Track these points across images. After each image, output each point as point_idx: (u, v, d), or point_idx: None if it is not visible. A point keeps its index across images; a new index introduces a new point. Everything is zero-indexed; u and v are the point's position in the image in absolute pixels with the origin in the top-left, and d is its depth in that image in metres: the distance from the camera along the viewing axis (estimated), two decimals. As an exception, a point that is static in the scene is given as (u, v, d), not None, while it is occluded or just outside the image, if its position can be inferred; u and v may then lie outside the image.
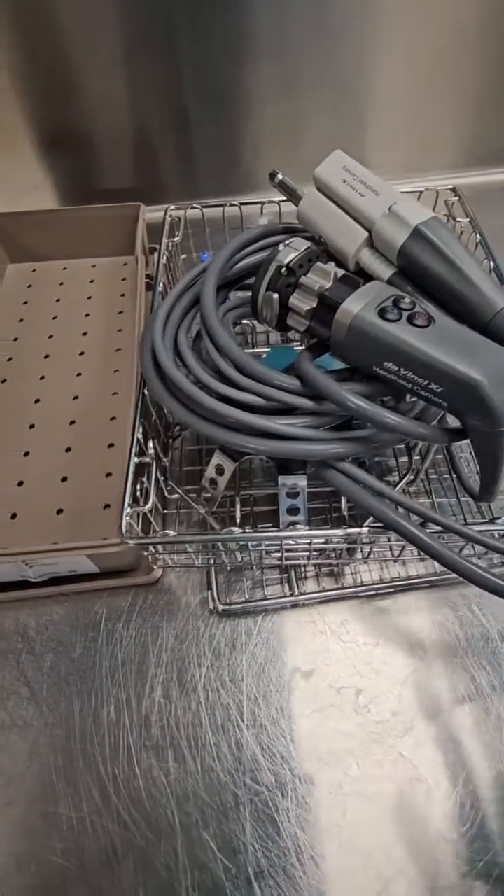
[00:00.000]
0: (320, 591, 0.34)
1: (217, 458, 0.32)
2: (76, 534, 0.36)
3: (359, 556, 0.34)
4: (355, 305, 0.26)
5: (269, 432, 0.27)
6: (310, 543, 0.31)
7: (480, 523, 0.29)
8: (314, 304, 0.28)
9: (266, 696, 0.31)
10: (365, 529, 0.29)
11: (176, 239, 0.44)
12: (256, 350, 0.45)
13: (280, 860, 0.27)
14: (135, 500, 0.30)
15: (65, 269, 0.54)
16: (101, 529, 0.36)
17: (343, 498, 0.35)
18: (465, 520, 0.36)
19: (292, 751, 0.29)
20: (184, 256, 0.46)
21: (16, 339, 0.48)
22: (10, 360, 0.47)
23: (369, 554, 0.34)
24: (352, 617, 0.34)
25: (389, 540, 0.32)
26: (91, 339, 0.48)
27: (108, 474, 0.39)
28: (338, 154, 0.32)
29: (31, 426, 0.42)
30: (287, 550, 0.32)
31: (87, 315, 0.50)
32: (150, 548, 0.31)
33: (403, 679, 0.31)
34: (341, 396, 0.26)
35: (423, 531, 0.26)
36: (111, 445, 0.41)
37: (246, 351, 0.29)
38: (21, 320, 0.50)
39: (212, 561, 0.34)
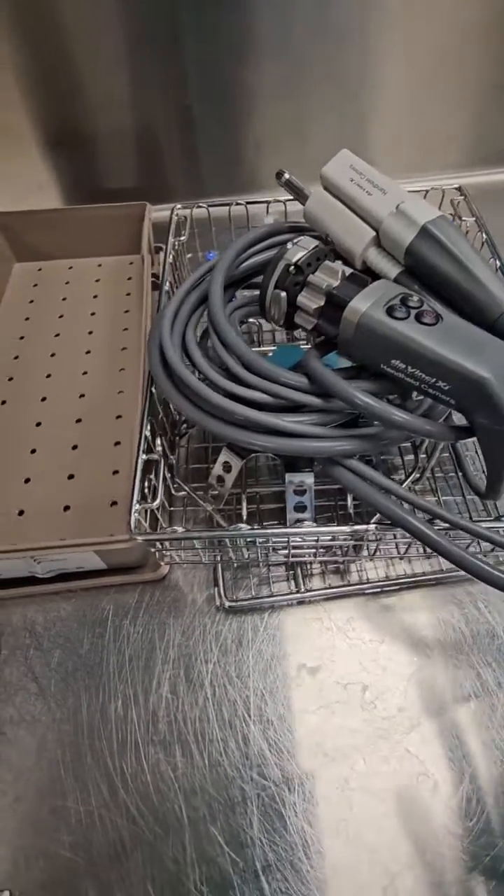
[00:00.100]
0: (326, 588, 0.34)
1: (224, 456, 0.32)
2: (83, 530, 0.37)
3: (365, 553, 0.35)
4: (363, 304, 0.26)
5: (277, 429, 0.28)
6: (317, 540, 0.31)
7: (487, 520, 0.29)
8: (322, 303, 0.29)
9: (272, 692, 0.31)
10: (372, 526, 0.29)
11: (182, 238, 0.44)
12: (262, 348, 0.45)
13: (287, 854, 0.27)
14: (143, 497, 0.30)
15: (70, 268, 0.54)
16: (108, 526, 0.36)
17: (349, 496, 0.35)
18: (470, 517, 0.36)
19: (299, 746, 0.30)
20: (189, 255, 0.46)
21: (22, 338, 0.48)
22: (16, 358, 0.47)
23: (375, 551, 0.34)
24: (358, 614, 0.34)
25: (395, 537, 0.32)
26: (97, 338, 0.48)
27: (115, 472, 0.39)
28: (345, 153, 0.32)
29: (38, 424, 0.43)
30: (294, 547, 0.32)
31: (92, 314, 0.50)
32: (158, 544, 0.31)
33: (409, 676, 0.31)
34: (349, 394, 0.26)
35: (431, 528, 0.26)
36: (117, 443, 0.41)
37: (252, 349, 0.30)
38: (27, 319, 0.50)
39: (218, 558, 0.35)
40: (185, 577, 0.36)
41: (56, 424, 0.42)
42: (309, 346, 0.32)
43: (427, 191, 0.44)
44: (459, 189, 0.44)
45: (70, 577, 0.34)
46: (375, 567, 0.35)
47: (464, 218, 0.42)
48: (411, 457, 0.37)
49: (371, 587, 0.34)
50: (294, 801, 0.28)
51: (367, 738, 0.30)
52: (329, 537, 0.31)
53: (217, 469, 0.33)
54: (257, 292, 0.33)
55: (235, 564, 0.35)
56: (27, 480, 0.39)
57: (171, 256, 0.41)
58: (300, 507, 0.32)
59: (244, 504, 0.36)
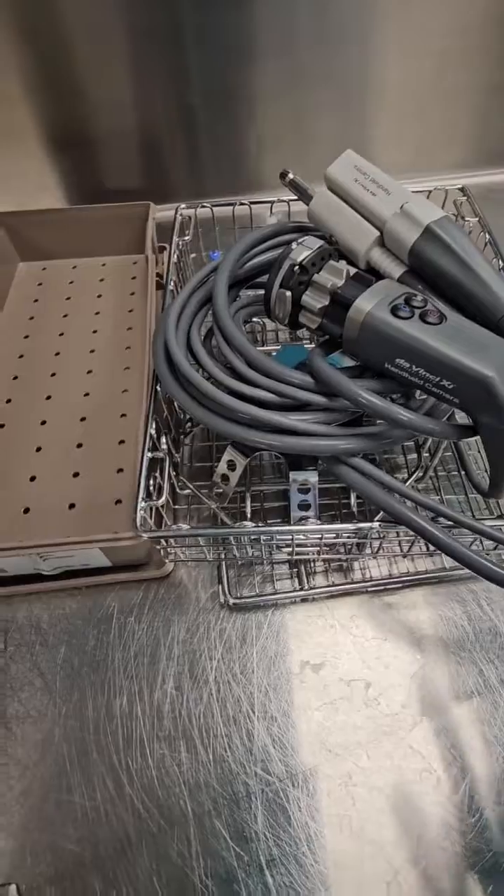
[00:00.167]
0: (329, 586, 0.35)
1: (229, 454, 0.32)
2: (88, 528, 0.37)
3: (368, 551, 0.35)
4: (368, 303, 0.27)
5: (282, 428, 0.28)
6: (321, 538, 0.31)
7: (490, 518, 0.30)
8: (326, 302, 0.29)
9: (276, 689, 0.31)
10: (376, 524, 0.29)
11: (186, 237, 0.44)
12: (266, 348, 0.45)
13: (291, 849, 0.27)
14: (148, 495, 0.30)
15: (75, 267, 0.54)
16: (113, 524, 0.36)
17: (352, 495, 0.35)
18: (473, 516, 0.36)
19: (303, 742, 0.30)
20: (193, 255, 0.46)
21: (27, 337, 0.49)
22: (21, 357, 0.47)
23: (379, 549, 0.34)
24: (360, 611, 0.34)
25: (398, 535, 0.33)
26: (101, 337, 0.48)
27: (119, 470, 0.40)
28: (349, 154, 0.32)
29: (43, 422, 0.43)
30: (298, 545, 0.32)
31: (97, 313, 0.50)
32: (164, 541, 0.32)
33: (412, 673, 0.32)
34: (354, 392, 0.27)
35: (435, 525, 0.27)
36: (122, 442, 0.41)
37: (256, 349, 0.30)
38: (31, 318, 0.50)
39: (223, 555, 0.35)
40: (189, 574, 0.36)
41: (61, 423, 0.43)
42: (313, 346, 0.32)
43: (430, 191, 0.44)
44: (462, 189, 0.44)
45: (75, 575, 0.35)
46: (378, 565, 0.35)
47: (467, 218, 0.42)
48: (414, 456, 0.38)
49: (374, 585, 0.35)
50: (298, 797, 0.28)
51: (371, 734, 0.30)
52: (333, 535, 0.31)
53: (221, 467, 0.33)
54: (260, 292, 0.33)
55: (239, 562, 0.36)
56: (32, 478, 0.40)
57: (175, 256, 0.42)
58: (304, 506, 0.32)
59: (248, 502, 0.36)
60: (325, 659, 0.32)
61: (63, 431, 0.42)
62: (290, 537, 0.31)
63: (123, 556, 0.34)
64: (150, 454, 0.31)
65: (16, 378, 0.46)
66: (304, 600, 0.35)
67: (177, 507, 0.38)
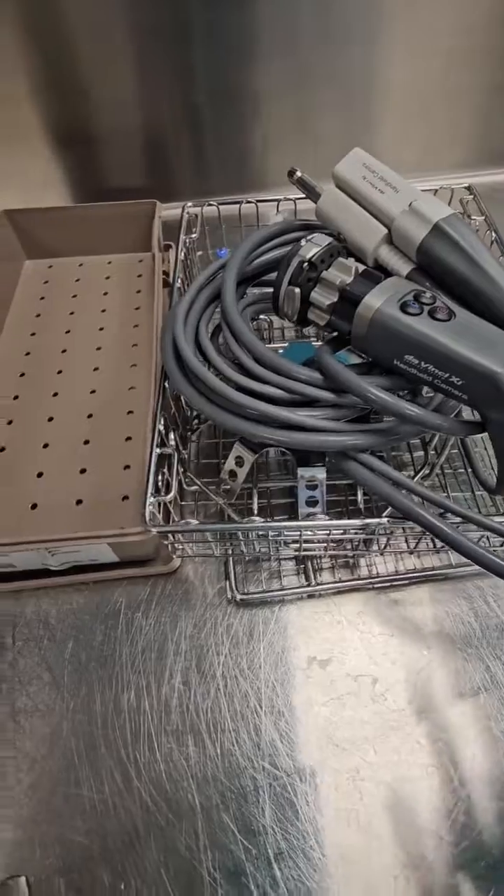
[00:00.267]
0: (336, 582, 0.35)
1: (237, 450, 0.32)
2: (95, 524, 0.37)
3: (375, 548, 0.35)
4: (377, 300, 0.27)
5: (290, 424, 0.28)
6: (328, 534, 0.31)
7: (498, 515, 0.30)
8: (335, 299, 0.29)
9: (283, 684, 0.32)
10: (384, 520, 0.29)
11: (193, 235, 0.44)
12: (273, 345, 0.45)
13: (299, 842, 0.27)
14: (157, 490, 0.30)
15: (81, 265, 0.54)
16: (120, 520, 0.36)
17: (360, 491, 0.35)
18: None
19: (310, 737, 0.30)
20: (199, 253, 0.46)
21: (33, 334, 0.49)
22: (28, 354, 0.47)
23: (386, 546, 0.35)
24: (367, 608, 0.34)
25: (405, 532, 0.33)
26: (108, 335, 0.48)
27: (127, 467, 0.40)
28: (357, 151, 0.32)
29: (50, 419, 0.43)
30: (305, 541, 0.33)
31: (103, 310, 0.50)
32: (172, 536, 0.32)
33: (419, 669, 0.32)
34: (363, 388, 0.27)
35: (444, 521, 0.27)
36: (129, 439, 0.41)
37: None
38: (38, 316, 0.50)
39: (230, 551, 0.35)
40: (196, 570, 0.36)
41: (68, 420, 0.43)
42: (320, 343, 0.33)
43: (436, 190, 0.44)
44: (469, 188, 0.44)
45: (82, 570, 0.35)
46: (385, 561, 0.36)
47: (473, 217, 0.42)
48: (420, 453, 0.38)
49: (381, 581, 0.35)
50: (305, 791, 0.28)
51: (378, 729, 0.30)
52: (340, 531, 0.31)
53: (229, 463, 0.33)
54: (267, 290, 0.33)
55: (247, 558, 0.36)
56: (40, 475, 0.40)
57: (182, 253, 0.42)
58: (312, 502, 0.32)
59: (255, 499, 0.36)
60: (332, 655, 0.33)
61: (70, 428, 0.42)
62: (298, 533, 0.31)
63: (131, 552, 0.34)
64: (158, 450, 0.32)
65: (23, 375, 0.46)
66: (310, 596, 0.35)
67: (184, 503, 0.38)
